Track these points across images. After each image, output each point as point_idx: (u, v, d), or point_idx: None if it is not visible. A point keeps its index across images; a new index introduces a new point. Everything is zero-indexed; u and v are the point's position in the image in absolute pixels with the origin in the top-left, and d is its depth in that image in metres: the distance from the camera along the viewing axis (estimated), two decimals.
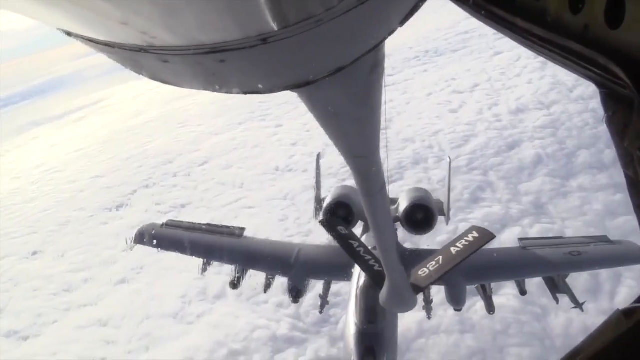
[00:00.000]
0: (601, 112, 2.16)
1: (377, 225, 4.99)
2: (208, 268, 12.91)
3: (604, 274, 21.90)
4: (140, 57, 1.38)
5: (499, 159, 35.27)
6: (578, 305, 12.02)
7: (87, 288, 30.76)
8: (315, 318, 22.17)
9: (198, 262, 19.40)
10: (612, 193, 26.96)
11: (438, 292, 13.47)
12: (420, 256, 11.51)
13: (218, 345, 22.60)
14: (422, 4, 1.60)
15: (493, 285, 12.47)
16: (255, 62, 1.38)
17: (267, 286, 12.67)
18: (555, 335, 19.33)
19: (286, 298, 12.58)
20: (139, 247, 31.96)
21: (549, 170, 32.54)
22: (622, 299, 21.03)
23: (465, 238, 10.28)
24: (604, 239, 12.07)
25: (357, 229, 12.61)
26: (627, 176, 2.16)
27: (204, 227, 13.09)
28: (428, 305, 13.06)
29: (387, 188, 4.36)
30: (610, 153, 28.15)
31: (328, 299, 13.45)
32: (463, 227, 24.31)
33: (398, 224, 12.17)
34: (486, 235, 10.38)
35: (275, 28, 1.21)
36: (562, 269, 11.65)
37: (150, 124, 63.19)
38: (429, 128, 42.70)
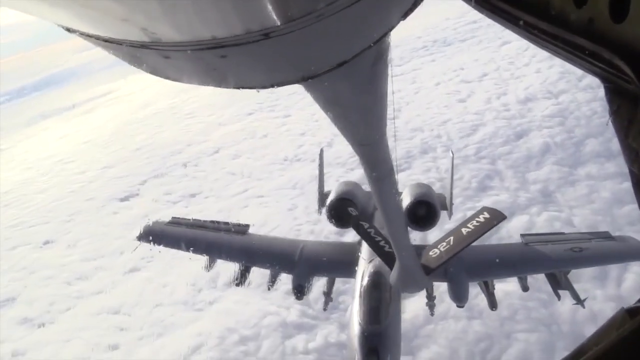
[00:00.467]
0: None
1: (386, 209, 5.11)
2: (213, 265, 12.97)
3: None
4: (141, 53, 1.40)
5: (507, 148, 35.30)
6: (579, 301, 12.04)
7: (99, 276, 31.08)
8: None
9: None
10: (620, 182, 27.00)
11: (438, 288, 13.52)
12: None
13: (228, 332, 22.89)
14: None
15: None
16: (257, 57, 1.39)
17: (272, 283, 12.73)
18: (562, 321, 19.47)
19: None
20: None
21: (556, 158, 32.58)
22: (629, 286, 21.15)
23: (477, 219, 10.32)
24: (606, 235, 12.08)
25: None
26: (631, 172, 2.17)
27: (208, 223, 13.13)
28: (431, 302, 13.13)
29: (395, 174, 4.42)
30: (618, 142, 28.22)
31: (332, 295, 13.46)
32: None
33: None
34: (497, 216, 10.42)
35: (278, 23, 1.23)
36: (563, 265, 11.66)
37: (158, 115, 63.31)
38: (437, 117, 42.72)
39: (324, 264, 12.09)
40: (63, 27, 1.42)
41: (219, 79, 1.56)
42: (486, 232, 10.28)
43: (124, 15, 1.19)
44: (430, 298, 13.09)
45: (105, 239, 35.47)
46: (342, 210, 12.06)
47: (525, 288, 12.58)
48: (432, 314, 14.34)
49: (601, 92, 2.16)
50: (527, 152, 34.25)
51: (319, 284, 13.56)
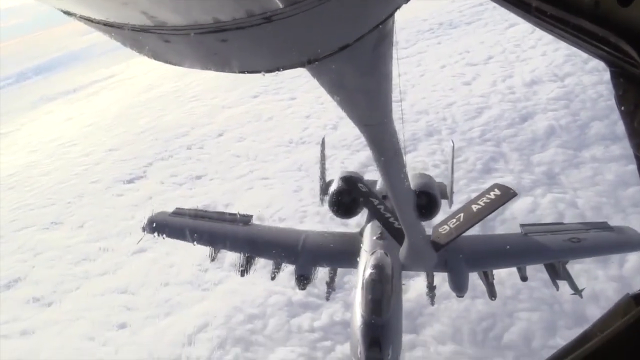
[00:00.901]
0: None
1: (394, 189, 5.24)
2: (217, 255, 13.02)
3: None
4: (141, 37, 1.39)
5: (512, 131, 35.27)
6: (577, 291, 12.12)
7: (105, 257, 31.32)
8: None
9: None
10: (625, 164, 27.00)
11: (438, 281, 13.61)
12: None
13: (235, 310, 23.14)
14: None
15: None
16: (258, 41, 1.38)
17: (275, 273, 12.79)
18: (563, 301, 19.58)
19: None
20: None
21: (561, 141, 32.56)
22: (631, 267, 21.27)
23: (487, 195, 10.45)
24: (604, 226, 12.10)
25: (362, 218, 12.81)
26: (637, 158, 2.14)
27: (211, 214, 13.15)
28: (432, 292, 13.18)
29: (403, 155, 4.50)
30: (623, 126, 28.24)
31: (334, 285, 13.48)
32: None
33: None
34: (508, 193, 10.54)
35: (280, 6, 1.21)
36: (562, 255, 11.74)
37: (163, 98, 63.27)
38: (442, 100, 42.67)
39: (326, 254, 12.18)
40: (62, 11, 1.41)
41: (221, 64, 1.56)
42: (496, 209, 10.36)
43: None
44: (431, 288, 13.16)
45: (110, 220, 35.71)
46: (344, 200, 12.09)
47: (524, 278, 12.63)
48: (432, 304, 14.42)
49: (607, 75, 2.12)
50: (532, 134, 34.23)
51: (323, 272, 13.61)
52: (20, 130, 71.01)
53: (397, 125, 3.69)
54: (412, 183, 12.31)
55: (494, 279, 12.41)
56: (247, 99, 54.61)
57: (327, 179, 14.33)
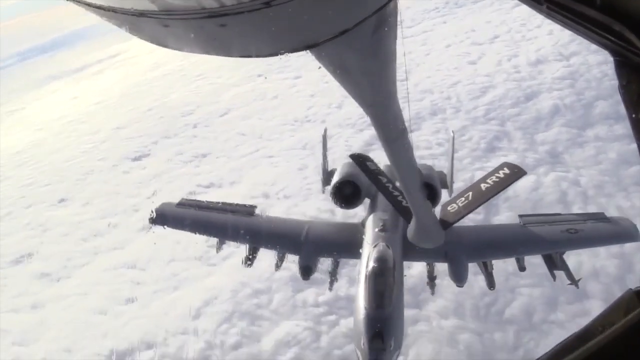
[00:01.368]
0: None
1: (400, 168, 5.30)
2: (222, 246, 13.19)
3: None
4: (140, 21, 1.39)
5: (516, 110, 35.39)
6: (574, 281, 12.22)
7: (113, 233, 31.76)
8: None
9: None
10: (628, 143, 27.05)
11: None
12: None
13: (241, 285, 23.53)
14: None
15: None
16: (257, 26, 1.39)
17: (278, 265, 12.98)
18: (565, 277, 19.89)
19: None
20: (161, 193, 32.87)
21: (566, 120, 32.69)
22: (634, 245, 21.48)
23: (496, 174, 10.36)
24: (601, 217, 12.14)
25: (364, 208, 12.97)
26: None
27: (216, 205, 13.21)
28: (432, 282, 13.35)
29: (409, 134, 4.54)
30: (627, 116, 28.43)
31: (337, 274, 13.62)
32: (479, 175, 24.72)
33: None
34: (517, 172, 10.43)
35: None
36: (559, 246, 11.79)
37: (168, 77, 63.25)
38: (447, 79, 42.69)
39: (329, 244, 12.17)
40: None
41: (220, 48, 1.58)
42: (506, 188, 10.33)
43: None
44: (432, 278, 13.30)
45: (118, 197, 36.13)
46: (346, 191, 12.19)
47: (522, 268, 12.68)
48: (432, 294, 14.59)
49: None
50: (536, 113, 34.34)
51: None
52: (26, 109, 71.18)
53: (403, 103, 3.85)
54: None
55: (492, 269, 12.48)
56: (252, 77, 54.55)
57: (329, 168, 14.41)
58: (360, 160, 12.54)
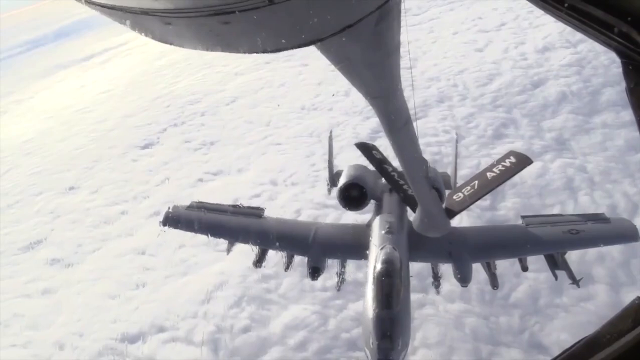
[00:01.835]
0: None
1: (405, 158, 5.34)
2: (232, 248, 13.40)
3: None
4: (142, 19, 1.40)
5: (523, 97, 35.40)
6: (575, 281, 12.34)
7: (123, 220, 32.09)
8: None
9: (229, 196, 19.64)
10: (635, 129, 27.00)
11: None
12: None
13: (250, 270, 23.63)
14: None
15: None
16: (261, 23, 1.39)
17: (288, 265, 13.18)
18: (570, 262, 20.01)
19: None
20: (170, 181, 33.12)
21: (572, 107, 32.72)
22: None
23: (502, 163, 10.56)
24: (602, 217, 12.21)
25: (369, 210, 13.13)
26: None
27: (225, 207, 13.34)
28: (437, 282, 13.51)
29: (414, 124, 4.56)
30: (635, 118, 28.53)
31: (345, 275, 13.78)
32: (485, 162, 24.88)
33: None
34: (524, 160, 10.65)
35: None
36: (561, 247, 11.92)
37: (175, 65, 63.35)
38: (454, 67, 42.69)
39: (337, 246, 12.34)
40: None
41: (223, 45, 1.58)
42: (512, 176, 10.41)
43: None
44: (436, 278, 13.43)
45: (128, 185, 36.44)
46: (352, 193, 12.31)
47: (524, 268, 12.80)
48: (437, 293, 14.74)
49: None
50: (543, 101, 34.38)
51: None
52: (34, 98, 71.54)
53: (408, 93, 3.94)
54: None
55: (496, 269, 12.61)
56: (259, 65, 54.56)
57: (335, 170, 14.53)
58: (365, 148, 12.72)
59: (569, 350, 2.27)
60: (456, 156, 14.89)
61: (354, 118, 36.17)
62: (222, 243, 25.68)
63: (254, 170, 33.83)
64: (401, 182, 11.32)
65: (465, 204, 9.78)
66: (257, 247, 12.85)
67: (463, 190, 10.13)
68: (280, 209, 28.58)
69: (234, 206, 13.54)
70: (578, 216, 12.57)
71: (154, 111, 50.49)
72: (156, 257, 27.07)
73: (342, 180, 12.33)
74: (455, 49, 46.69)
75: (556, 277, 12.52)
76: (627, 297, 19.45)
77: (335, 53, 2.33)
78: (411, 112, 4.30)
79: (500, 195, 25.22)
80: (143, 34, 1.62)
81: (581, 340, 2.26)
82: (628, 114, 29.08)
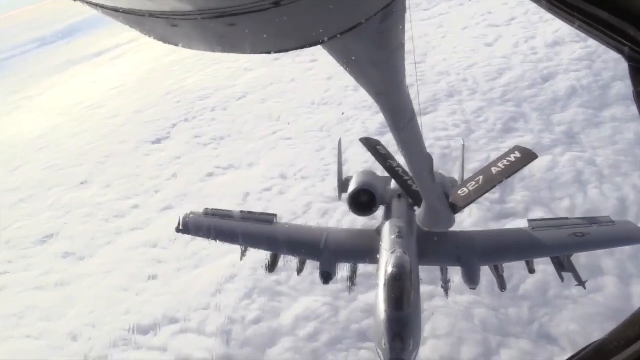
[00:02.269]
0: None
1: (410, 154, 5.42)
2: (246, 253, 13.62)
3: None
4: (148, 21, 1.41)
5: (533, 91, 35.37)
6: (581, 283, 12.45)
7: (135, 214, 32.42)
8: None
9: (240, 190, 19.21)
10: None
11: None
12: None
13: (261, 263, 23.94)
14: None
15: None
16: (266, 25, 1.39)
17: (300, 269, 13.38)
18: (579, 256, 20.05)
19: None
20: (181, 175, 33.43)
21: (582, 101, 32.68)
22: None
23: (507, 158, 10.47)
24: (607, 220, 12.29)
25: (379, 215, 13.27)
26: None
27: (238, 214, 13.53)
28: (446, 285, 13.64)
29: (418, 120, 4.64)
30: None
31: (356, 279, 13.94)
32: (495, 156, 24.92)
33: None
34: (529, 155, 10.53)
35: None
36: (567, 249, 12.05)
37: (185, 61, 63.53)
38: (464, 62, 42.62)
39: (348, 251, 12.54)
40: None
41: (229, 46, 1.59)
42: (517, 171, 10.35)
43: None
44: (446, 282, 13.57)
45: (139, 179, 36.79)
46: (362, 199, 12.47)
47: (531, 270, 12.98)
48: (447, 296, 14.90)
49: None
50: (553, 95, 34.30)
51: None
52: (46, 94, 72.07)
53: (414, 90, 4.01)
54: None
55: (503, 271, 12.73)
56: (268, 61, 54.61)
57: (344, 176, 14.70)
58: (369, 144, 12.89)
59: (577, 356, 2.29)
60: (463, 162, 15.01)
61: (364, 112, 36.25)
62: None
63: (264, 165, 34.05)
64: (405, 177, 11.47)
65: (469, 199, 9.76)
66: (270, 252, 13.07)
67: (468, 186, 10.11)
68: (290, 202, 28.85)
69: (247, 212, 13.75)
70: (583, 219, 12.65)
71: (164, 107, 50.78)
72: (167, 250, 27.33)
73: (352, 186, 12.53)
74: (465, 44, 46.57)
75: (562, 279, 12.64)
76: (637, 290, 19.53)
77: (341, 52, 2.36)
78: (416, 108, 4.36)
79: (510, 188, 25.31)
80: (149, 35, 1.65)
81: (589, 346, 2.27)
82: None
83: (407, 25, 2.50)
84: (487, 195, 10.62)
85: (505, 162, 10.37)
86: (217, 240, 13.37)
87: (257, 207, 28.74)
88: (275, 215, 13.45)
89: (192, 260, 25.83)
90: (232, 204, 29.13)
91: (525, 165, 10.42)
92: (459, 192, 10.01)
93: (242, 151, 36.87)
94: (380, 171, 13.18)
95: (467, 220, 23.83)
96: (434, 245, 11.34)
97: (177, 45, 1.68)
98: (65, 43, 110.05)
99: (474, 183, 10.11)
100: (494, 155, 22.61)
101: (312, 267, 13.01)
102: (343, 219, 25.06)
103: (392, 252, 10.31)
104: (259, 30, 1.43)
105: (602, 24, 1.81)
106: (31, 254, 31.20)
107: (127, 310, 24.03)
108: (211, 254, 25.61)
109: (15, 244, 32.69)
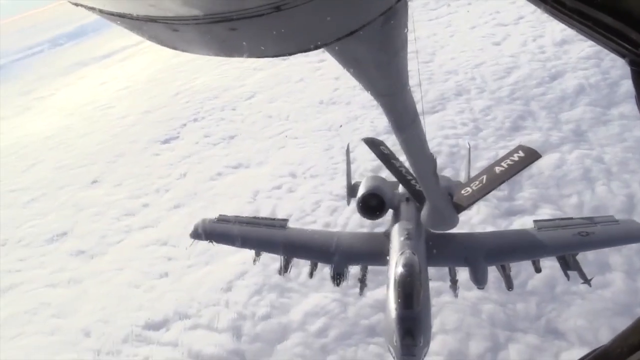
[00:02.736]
0: None
1: (413, 156, 5.43)
2: (259, 257, 13.86)
3: None
4: (149, 26, 1.41)
5: (541, 89, 35.40)
6: (586, 281, 12.57)
7: (145, 212, 32.77)
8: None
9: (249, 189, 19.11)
10: None
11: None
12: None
13: (271, 260, 24.03)
14: None
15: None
16: (268, 29, 1.39)
17: (312, 273, 13.60)
18: (586, 253, 20.14)
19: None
20: (190, 174, 33.71)
21: (590, 99, 32.72)
22: None
23: (511, 157, 10.62)
24: (611, 219, 12.39)
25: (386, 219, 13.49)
26: None
27: (251, 219, 13.70)
28: (454, 285, 13.80)
29: (421, 121, 4.60)
30: None
31: (366, 280, 14.14)
32: (502, 154, 24.99)
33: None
34: (532, 155, 10.67)
35: None
36: (572, 248, 12.13)
37: (194, 61, 63.60)
38: (472, 60, 42.70)
39: (358, 253, 12.63)
40: (71, 2, 1.46)
41: (230, 50, 1.58)
42: (520, 171, 10.50)
43: None
44: (454, 281, 13.73)
45: (149, 178, 37.15)
46: (371, 203, 12.67)
47: (538, 270, 13.10)
48: (455, 296, 15.06)
49: None
50: (561, 93, 34.33)
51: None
52: (55, 95, 72.68)
53: (422, 89, 4.11)
54: None
55: (510, 271, 12.87)
56: (276, 61, 54.70)
57: (353, 182, 14.91)
58: (372, 144, 13.08)
59: None
60: (469, 165, 15.14)
61: (372, 111, 36.35)
62: None
63: (273, 163, 34.29)
64: (409, 177, 11.63)
65: (473, 199, 9.93)
66: (282, 256, 13.26)
67: (471, 185, 10.25)
68: (300, 200, 29.06)
69: (259, 218, 14.01)
70: (587, 219, 12.71)
71: (174, 107, 51.19)
72: (178, 248, 27.56)
73: (361, 191, 12.69)
74: (473, 43, 46.59)
75: (568, 278, 12.72)
76: None
77: (343, 54, 2.34)
78: (420, 109, 4.32)
79: (518, 185, 25.41)
80: (149, 39, 1.65)
81: (591, 352, 2.26)
82: None
83: (410, 27, 2.48)
84: (494, 192, 10.73)
85: (508, 161, 10.50)
86: (231, 245, 13.58)
87: (266, 205, 29.07)
88: (287, 220, 13.65)
89: (202, 257, 26.04)
90: (241, 202, 29.52)
91: (528, 165, 10.56)
92: (463, 191, 10.17)
93: (251, 150, 37.15)
94: (387, 174, 13.39)
95: (475, 218, 23.96)
96: (442, 247, 11.49)
97: (176, 49, 1.68)
98: (74, 45, 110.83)
99: (477, 182, 10.25)
100: (502, 153, 22.74)
101: (321, 265, 13.18)
102: (352, 217, 25.21)
103: (402, 253, 10.44)
104: (261, 34, 1.44)
105: (604, 27, 1.80)
106: (43, 252, 31.59)
107: (138, 306, 24.30)
108: (221, 252, 25.71)
109: (28, 242, 33.09)
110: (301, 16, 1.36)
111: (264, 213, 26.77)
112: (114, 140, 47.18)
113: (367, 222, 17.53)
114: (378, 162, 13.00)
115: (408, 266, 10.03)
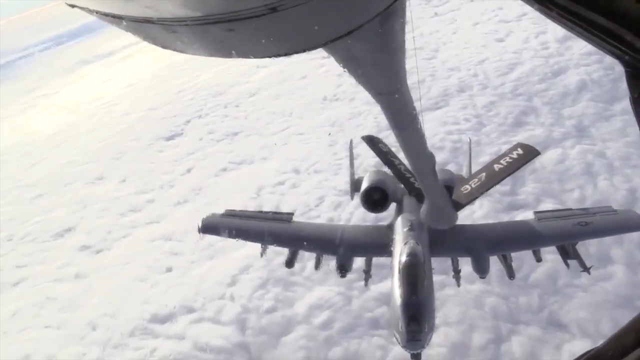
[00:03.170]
0: None
1: (412, 154, 5.56)
2: (266, 251, 14.06)
3: None
4: (146, 27, 1.42)
5: (543, 85, 35.52)
6: (586, 269, 12.73)
7: (150, 208, 33.00)
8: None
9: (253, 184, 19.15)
10: None
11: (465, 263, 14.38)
12: None
13: (275, 254, 24.16)
14: None
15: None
16: (265, 30, 1.41)
17: (317, 265, 13.80)
18: (588, 243, 19.99)
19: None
20: (195, 170, 33.86)
21: (593, 95, 32.85)
22: None
23: (510, 155, 10.75)
24: (609, 209, 12.57)
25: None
26: None
27: (257, 214, 13.83)
28: (457, 275, 13.99)
29: (420, 120, 4.67)
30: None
31: (371, 272, 14.36)
32: (505, 149, 25.13)
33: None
34: (531, 152, 10.79)
35: None
36: (572, 238, 12.12)
37: (197, 59, 63.16)
38: (474, 57, 42.81)
39: (362, 245, 12.71)
40: (67, 4, 1.48)
41: (227, 51, 1.59)
42: (519, 168, 10.63)
43: None
44: (456, 271, 13.91)
45: (154, 174, 37.38)
46: (375, 197, 12.87)
47: (538, 259, 13.27)
48: (458, 286, 15.26)
49: None
50: (563, 89, 34.44)
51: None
52: (59, 93, 72.88)
53: (420, 88, 4.23)
54: None
55: (512, 260, 13.05)
56: (279, 59, 54.79)
57: (356, 177, 15.09)
58: (371, 141, 13.27)
59: None
60: (470, 160, 15.29)
61: (375, 107, 36.15)
62: None
63: (277, 159, 34.48)
64: (408, 175, 11.80)
65: (472, 196, 10.05)
66: (288, 249, 13.44)
67: (470, 183, 10.38)
68: (304, 195, 29.25)
69: (265, 212, 14.19)
70: (587, 209, 12.88)
71: (178, 104, 51.46)
72: (183, 243, 27.81)
73: (364, 185, 12.79)
74: (476, 40, 46.67)
75: (568, 266, 12.81)
76: None
77: (341, 54, 2.37)
78: (418, 107, 4.34)
79: (521, 180, 25.53)
80: (147, 40, 1.66)
81: (585, 354, 2.27)
82: None
83: (411, 25, 2.59)
84: (497, 187, 10.88)
85: (507, 159, 10.61)
86: (238, 239, 13.74)
87: (270, 200, 29.25)
88: (292, 214, 13.83)
89: (207, 252, 26.25)
90: (245, 198, 29.68)
91: (528, 162, 10.67)
92: (462, 189, 10.31)
93: (255, 146, 37.32)
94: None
95: (478, 212, 24.11)
96: (444, 238, 11.62)
97: (174, 50, 1.69)
98: (77, 43, 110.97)
99: (476, 180, 10.39)
100: (505, 149, 22.90)
101: (326, 259, 13.35)
102: (355, 212, 25.39)
103: (405, 243, 10.60)
104: (258, 35, 1.45)
105: (599, 29, 1.79)
106: (49, 247, 31.90)
107: (144, 300, 24.54)
108: (226, 246, 25.94)
109: (34, 237, 33.40)
110: (297, 17, 1.38)
111: (268, 208, 26.74)
112: (119, 137, 47.40)
113: (370, 217, 17.72)
114: None
115: (412, 255, 10.19)
